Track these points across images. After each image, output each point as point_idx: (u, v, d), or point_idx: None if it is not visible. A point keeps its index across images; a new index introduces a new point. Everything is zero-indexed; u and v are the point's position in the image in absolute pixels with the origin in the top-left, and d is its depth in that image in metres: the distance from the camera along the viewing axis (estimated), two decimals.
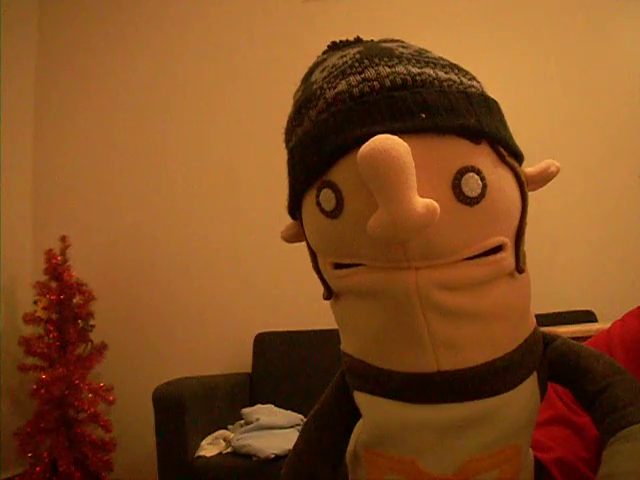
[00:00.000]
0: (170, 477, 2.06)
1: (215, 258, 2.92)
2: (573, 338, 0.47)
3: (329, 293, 0.45)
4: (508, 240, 0.42)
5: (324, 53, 0.48)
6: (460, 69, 0.44)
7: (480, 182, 0.39)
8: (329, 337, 1.77)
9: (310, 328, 2.57)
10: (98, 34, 3.13)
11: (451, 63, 0.44)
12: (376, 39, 0.47)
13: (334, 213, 0.40)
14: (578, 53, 2.82)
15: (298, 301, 2.73)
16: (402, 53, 0.43)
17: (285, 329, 2.67)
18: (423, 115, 0.39)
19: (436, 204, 0.36)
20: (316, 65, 0.46)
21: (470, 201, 0.39)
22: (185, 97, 3.04)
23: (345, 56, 0.44)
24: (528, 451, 0.45)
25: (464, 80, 0.43)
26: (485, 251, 0.41)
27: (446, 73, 0.43)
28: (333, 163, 0.40)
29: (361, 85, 0.41)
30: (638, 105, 2.74)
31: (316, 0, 2.94)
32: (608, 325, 0.71)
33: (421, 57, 0.43)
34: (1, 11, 2.87)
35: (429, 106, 0.40)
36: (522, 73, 2.78)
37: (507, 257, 0.42)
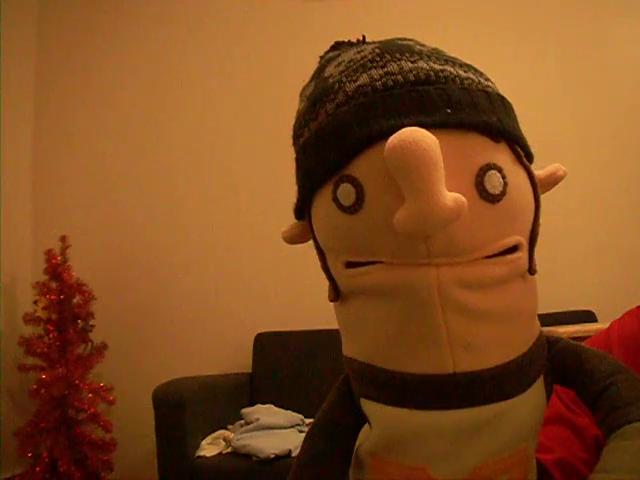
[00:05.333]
0: (170, 477, 2.06)
1: (215, 258, 2.92)
2: (573, 338, 0.47)
3: (336, 294, 0.44)
4: (524, 240, 0.42)
5: (331, 50, 0.48)
6: (476, 69, 0.45)
7: (502, 180, 0.39)
8: (329, 337, 1.77)
9: (310, 328, 2.56)
10: (98, 34, 3.13)
11: (467, 63, 0.45)
12: (387, 38, 0.46)
13: (353, 208, 0.39)
14: (579, 53, 2.82)
15: (298, 301, 2.74)
16: (421, 50, 0.43)
17: (285, 329, 2.67)
18: (448, 110, 0.39)
19: (464, 198, 0.36)
20: (328, 61, 0.46)
21: (492, 199, 0.39)
22: (185, 97, 3.04)
23: (363, 51, 0.44)
24: (534, 454, 0.45)
25: (481, 80, 0.43)
26: (502, 250, 0.41)
27: (465, 72, 0.43)
28: (354, 157, 0.39)
29: (384, 79, 0.40)
30: (638, 105, 2.75)
31: (316, 0, 2.94)
32: (608, 325, 0.71)
33: (439, 55, 0.44)
34: (1, 11, 2.86)
35: (453, 102, 0.39)
36: (522, 73, 2.78)
37: (522, 257, 0.42)
